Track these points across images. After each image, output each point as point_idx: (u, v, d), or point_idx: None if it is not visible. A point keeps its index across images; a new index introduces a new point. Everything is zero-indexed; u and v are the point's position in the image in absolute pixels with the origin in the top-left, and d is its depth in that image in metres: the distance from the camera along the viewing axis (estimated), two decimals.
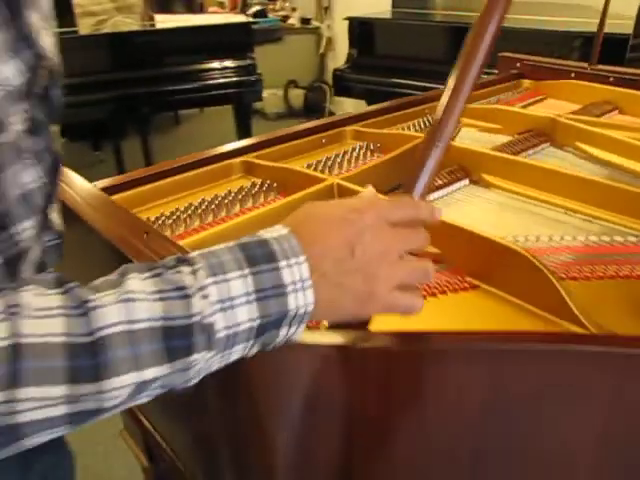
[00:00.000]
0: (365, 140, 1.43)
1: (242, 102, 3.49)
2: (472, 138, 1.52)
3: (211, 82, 3.45)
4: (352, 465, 0.58)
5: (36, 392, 0.39)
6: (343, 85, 3.40)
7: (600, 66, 1.85)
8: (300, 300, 0.47)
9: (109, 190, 1.04)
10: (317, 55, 5.47)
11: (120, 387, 0.42)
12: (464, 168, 1.25)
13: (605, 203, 1.08)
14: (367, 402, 0.55)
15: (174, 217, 1.02)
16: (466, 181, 1.24)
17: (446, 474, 0.61)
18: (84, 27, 4.29)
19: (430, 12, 4.13)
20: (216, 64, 3.44)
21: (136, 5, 4.90)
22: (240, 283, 0.45)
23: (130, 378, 0.42)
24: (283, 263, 0.46)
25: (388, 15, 3.68)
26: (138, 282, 0.44)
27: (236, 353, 0.47)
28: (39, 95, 0.53)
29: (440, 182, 1.20)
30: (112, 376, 0.41)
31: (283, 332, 0.48)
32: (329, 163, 1.27)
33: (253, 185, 1.16)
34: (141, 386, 0.43)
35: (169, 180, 1.15)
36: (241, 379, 0.58)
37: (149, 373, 0.43)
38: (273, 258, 0.46)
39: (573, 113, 1.63)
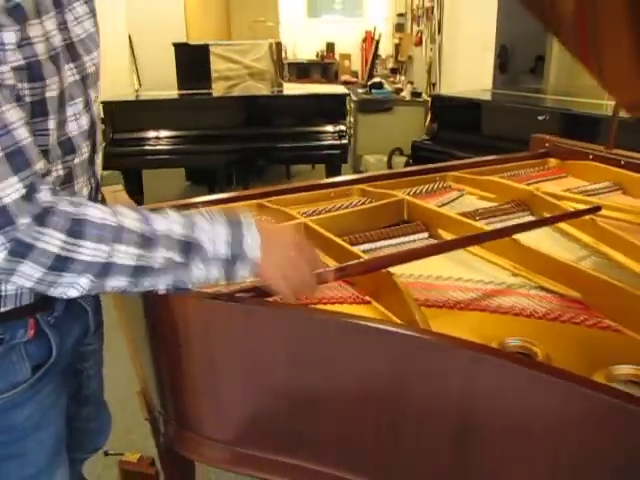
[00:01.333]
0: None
1: (333, 162, 3.89)
2: (465, 203, 1.75)
3: (312, 143, 3.89)
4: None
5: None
6: (420, 155, 3.70)
7: (615, 150, 2.01)
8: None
9: None
10: (423, 126, 5.81)
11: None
12: (425, 224, 1.50)
13: (528, 263, 1.27)
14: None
15: None
16: (425, 234, 1.49)
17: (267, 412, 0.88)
18: (218, 89, 4.96)
19: (528, 95, 4.32)
20: (317, 127, 3.89)
21: (267, 72, 5.56)
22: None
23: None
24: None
25: (473, 95, 3.95)
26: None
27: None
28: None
29: (402, 232, 1.46)
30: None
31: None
32: None
33: None
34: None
35: None
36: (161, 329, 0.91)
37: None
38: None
39: (580, 191, 1.82)
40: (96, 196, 0.98)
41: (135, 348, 1.32)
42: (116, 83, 5.83)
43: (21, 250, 0.67)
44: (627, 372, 0.90)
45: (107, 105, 3.68)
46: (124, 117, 3.83)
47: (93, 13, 0.92)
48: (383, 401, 0.83)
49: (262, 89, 4.84)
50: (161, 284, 0.79)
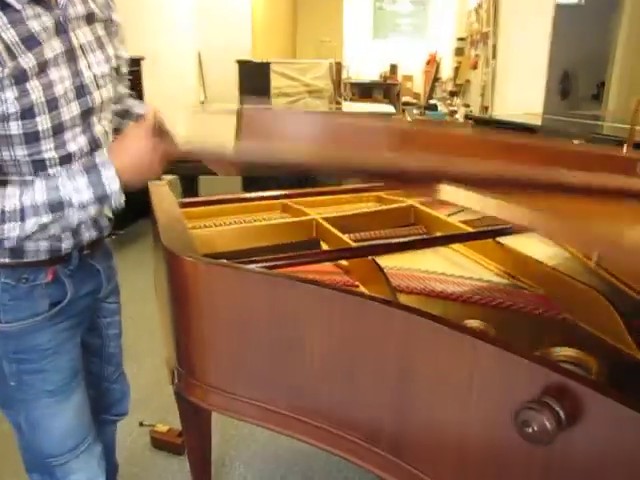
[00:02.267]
0: None
1: None
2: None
3: None
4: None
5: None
6: None
7: None
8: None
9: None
10: None
11: None
12: (427, 226, 1.68)
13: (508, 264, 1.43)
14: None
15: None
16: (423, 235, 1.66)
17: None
18: (277, 104, 5.24)
19: (578, 121, 4.37)
20: None
21: (326, 90, 5.82)
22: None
23: None
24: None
25: (506, 117, 4.06)
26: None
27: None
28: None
29: (403, 233, 1.65)
30: None
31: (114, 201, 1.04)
32: None
33: None
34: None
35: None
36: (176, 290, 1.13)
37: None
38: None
39: None
40: None
41: (163, 319, 1.55)
42: (185, 95, 6.23)
43: None
44: (566, 353, 1.05)
45: None
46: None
47: (107, 58, 1.16)
48: (344, 352, 1.01)
49: (319, 106, 5.06)
50: (51, 232, 1.05)
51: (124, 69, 1.29)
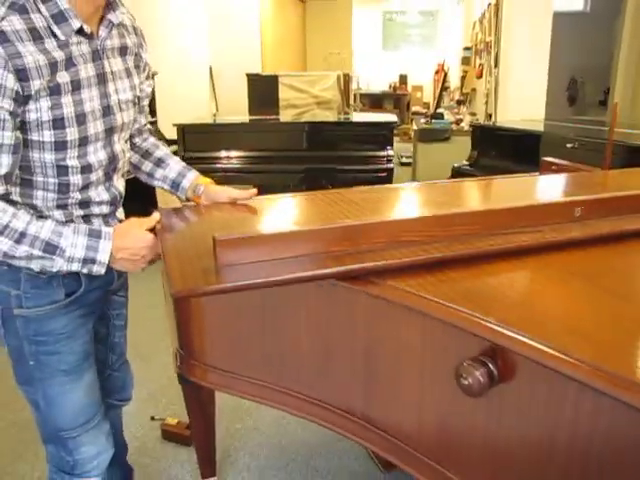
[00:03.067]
0: None
1: (381, 184, 4.19)
2: None
3: (366, 167, 4.23)
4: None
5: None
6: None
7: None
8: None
9: None
10: None
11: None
12: None
13: None
14: None
15: None
16: None
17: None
18: (286, 116, 5.39)
19: (579, 126, 4.47)
20: (369, 152, 4.23)
21: (334, 101, 5.97)
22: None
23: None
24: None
25: (509, 124, 4.17)
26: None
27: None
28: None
29: None
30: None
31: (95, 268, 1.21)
32: None
33: None
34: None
35: None
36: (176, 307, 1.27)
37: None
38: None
39: None
40: (115, 202, 1.42)
41: (169, 318, 1.69)
42: (197, 108, 6.42)
43: None
44: None
45: (179, 127, 4.19)
46: (193, 138, 4.32)
47: (132, 86, 1.36)
48: (323, 333, 1.15)
49: (327, 117, 5.21)
50: (33, 265, 1.21)
51: (145, 102, 1.49)
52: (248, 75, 5.68)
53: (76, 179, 1.26)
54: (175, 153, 4.44)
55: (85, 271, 1.23)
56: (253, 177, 4.44)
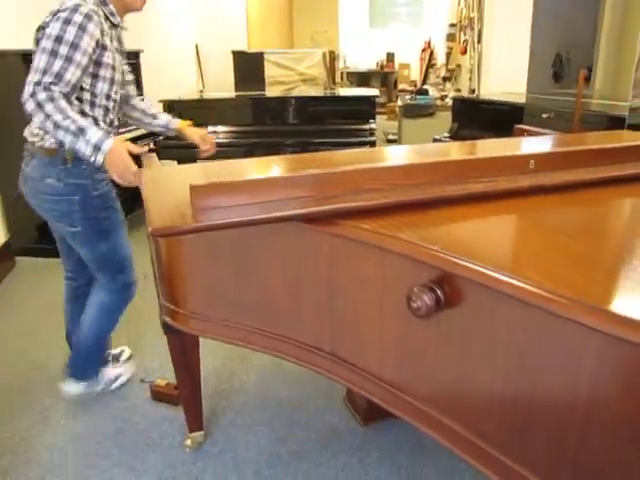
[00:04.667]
0: None
1: None
2: None
3: (350, 139, 4.31)
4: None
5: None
6: None
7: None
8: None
9: None
10: None
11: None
12: None
13: None
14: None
15: None
16: None
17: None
18: (271, 92, 5.44)
19: (556, 98, 4.56)
20: (353, 125, 4.31)
21: (319, 78, 6.02)
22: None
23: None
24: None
25: (486, 96, 4.25)
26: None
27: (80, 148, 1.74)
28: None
29: None
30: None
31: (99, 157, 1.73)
32: None
33: None
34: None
35: None
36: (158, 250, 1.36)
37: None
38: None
39: None
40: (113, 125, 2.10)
41: (155, 270, 1.78)
42: (184, 85, 6.45)
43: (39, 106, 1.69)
44: None
45: (165, 104, 4.24)
46: (179, 114, 4.36)
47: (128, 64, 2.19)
48: (291, 273, 1.24)
49: (311, 92, 5.26)
50: (66, 142, 1.74)
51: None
52: (234, 52, 5.71)
53: (110, 105, 2.01)
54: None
55: (92, 157, 1.72)
56: (239, 151, 4.51)
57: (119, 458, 2.07)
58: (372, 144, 4.17)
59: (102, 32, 1.83)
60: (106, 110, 2.00)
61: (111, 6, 1.94)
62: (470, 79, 6.08)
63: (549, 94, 4.50)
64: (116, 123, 2.12)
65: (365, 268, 1.09)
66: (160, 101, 4.30)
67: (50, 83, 1.69)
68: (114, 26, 1.99)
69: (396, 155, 1.88)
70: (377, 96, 4.28)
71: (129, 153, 1.75)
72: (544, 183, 1.30)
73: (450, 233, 1.07)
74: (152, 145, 4.58)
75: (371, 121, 4.19)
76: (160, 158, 4.36)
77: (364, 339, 1.16)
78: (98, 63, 1.87)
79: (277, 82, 5.87)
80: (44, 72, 1.69)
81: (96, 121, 1.95)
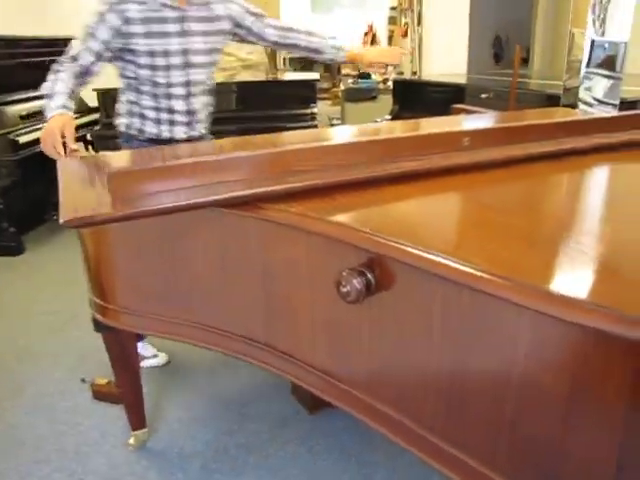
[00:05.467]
0: None
1: None
2: None
3: (292, 124, 4.24)
4: None
5: None
6: None
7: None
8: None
9: None
10: None
11: None
12: None
13: None
14: None
15: None
16: None
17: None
18: (217, 78, 5.31)
19: (495, 78, 4.60)
20: (295, 110, 4.25)
21: (261, 64, 5.93)
22: None
23: None
24: None
25: (426, 78, 4.26)
26: None
27: None
28: None
29: None
30: None
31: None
32: None
33: None
34: None
35: None
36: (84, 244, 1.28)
37: None
38: None
39: None
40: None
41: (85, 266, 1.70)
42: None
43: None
44: None
45: (98, 93, 4.08)
46: (113, 104, 4.21)
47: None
48: (220, 261, 1.19)
49: (252, 78, 5.16)
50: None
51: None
52: None
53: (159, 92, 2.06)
54: (97, 121, 4.36)
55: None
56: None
57: (59, 463, 1.99)
58: (314, 128, 4.12)
59: (127, 20, 1.88)
60: (154, 96, 2.04)
61: None
62: (411, 61, 6.08)
63: (489, 74, 4.54)
64: (179, 108, 2.08)
65: (293, 253, 1.05)
66: (94, 90, 4.13)
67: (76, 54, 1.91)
68: (172, 8, 1.95)
69: (330, 135, 1.83)
70: (317, 80, 4.23)
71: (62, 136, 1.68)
72: (477, 160, 1.27)
73: (381, 214, 1.04)
74: (88, 137, 4.42)
75: (312, 105, 4.14)
76: (97, 149, 4.21)
77: (298, 326, 1.12)
78: (132, 52, 1.95)
79: (219, 68, 5.75)
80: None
81: (146, 107, 2.06)
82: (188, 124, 2.12)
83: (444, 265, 0.83)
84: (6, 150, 3.70)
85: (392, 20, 8.18)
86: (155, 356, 2.55)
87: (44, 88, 1.83)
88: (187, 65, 2.02)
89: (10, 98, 4.05)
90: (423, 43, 5.58)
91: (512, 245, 0.91)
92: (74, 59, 1.91)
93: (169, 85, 2.02)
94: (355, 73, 9.72)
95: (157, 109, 2.07)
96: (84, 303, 1.59)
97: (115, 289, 1.36)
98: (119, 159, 1.43)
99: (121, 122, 2.17)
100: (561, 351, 0.76)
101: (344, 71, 10.66)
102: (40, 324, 2.96)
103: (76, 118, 4.54)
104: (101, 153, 1.71)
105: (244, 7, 2.18)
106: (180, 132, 2.12)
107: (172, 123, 2.09)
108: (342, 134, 1.84)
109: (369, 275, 0.91)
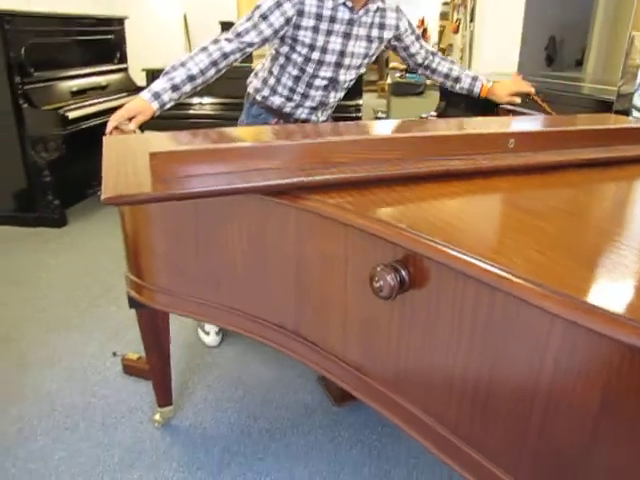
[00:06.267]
0: None
1: None
2: None
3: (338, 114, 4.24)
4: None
5: None
6: None
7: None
8: None
9: None
10: None
11: None
12: None
13: None
14: None
15: None
16: None
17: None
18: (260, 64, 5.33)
19: (544, 80, 4.50)
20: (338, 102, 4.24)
21: None
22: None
23: None
24: None
25: None
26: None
27: None
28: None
29: None
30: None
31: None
32: None
33: None
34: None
35: None
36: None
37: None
38: None
39: None
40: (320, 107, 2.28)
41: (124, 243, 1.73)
42: (171, 56, 6.32)
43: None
44: None
45: (148, 72, 4.14)
46: None
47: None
48: (256, 250, 1.19)
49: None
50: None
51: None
52: (222, 23, 5.57)
53: (303, 77, 2.14)
54: None
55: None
56: (225, 123, 4.42)
57: (86, 432, 2.04)
58: (359, 120, 4.11)
59: (301, 12, 1.95)
60: (296, 79, 2.12)
61: None
62: (461, 58, 5.99)
63: (540, 76, 4.43)
64: (314, 97, 2.18)
65: (330, 245, 1.05)
66: (143, 70, 4.20)
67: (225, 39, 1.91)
68: (348, 9, 2.00)
69: (373, 128, 1.82)
70: (364, 72, 4.19)
71: (128, 115, 1.74)
72: (522, 163, 1.25)
73: (419, 212, 1.02)
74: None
75: (357, 97, 4.11)
76: (142, 129, 4.27)
77: (329, 318, 1.12)
78: (293, 39, 2.01)
79: (265, 55, 5.77)
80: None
81: (284, 85, 2.15)
82: (314, 110, 2.25)
83: (480, 268, 0.81)
84: (56, 125, 3.78)
85: (444, 15, 8.08)
86: (207, 334, 2.60)
87: (174, 61, 1.86)
88: (339, 65, 2.10)
89: (63, 74, 4.14)
90: (474, 40, 5.48)
91: (551, 252, 0.89)
92: (239, 35, 1.92)
93: (314, 76, 2.10)
94: (403, 67, 9.63)
95: (292, 90, 2.16)
96: (121, 278, 1.63)
97: (151, 268, 1.38)
98: (163, 139, 1.45)
99: (253, 84, 2.28)
100: (593, 364, 0.74)
101: (392, 64, 10.59)
102: (78, 297, 3.03)
103: (124, 97, 4.66)
104: (147, 132, 1.72)
105: (410, 25, 2.27)
106: (302, 114, 2.25)
107: (299, 106, 2.21)
108: (386, 128, 1.83)
109: (403, 272, 0.91)
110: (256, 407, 2.20)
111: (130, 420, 2.11)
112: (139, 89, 4.65)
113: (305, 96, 2.17)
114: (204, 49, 1.87)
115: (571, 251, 0.89)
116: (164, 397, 2.04)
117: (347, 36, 2.05)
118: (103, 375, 2.40)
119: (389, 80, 6.22)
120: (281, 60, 2.12)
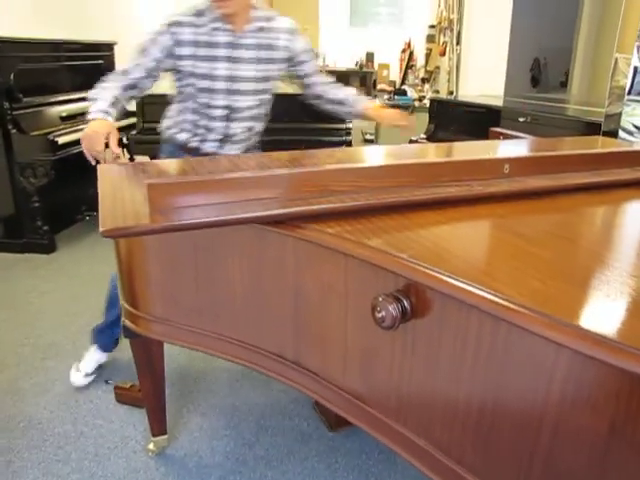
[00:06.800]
0: None
1: None
2: None
3: (328, 138, 4.25)
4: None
5: None
6: None
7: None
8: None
9: None
10: None
11: None
12: None
13: None
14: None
15: None
16: None
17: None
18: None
19: (530, 102, 4.57)
20: (331, 125, 4.26)
21: None
22: None
23: None
24: None
25: (464, 98, 4.25)
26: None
27: None
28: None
29: None
30: None
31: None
32: None
33: None
34: None
35: None
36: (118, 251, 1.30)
37: None
38: None
39: None
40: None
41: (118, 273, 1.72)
42: (162, 77, 6.34)
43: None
44: None
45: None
46: (152, 109, 4.27)
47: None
48: (254, 280, 1.19)
49: (288, 90, 5.18)
50: None
51: None
52: None
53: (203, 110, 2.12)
54: (134, 125, 4.43)
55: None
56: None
57: (78, 464, 2.00)
58: (348, 144, 4.13)
59: (179, 42, 1.94)
60: (194, 112, 2.09)
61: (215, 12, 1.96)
62: (448, 80, 6.07)
63: (526, 98, 4.50)
64: (216, 130, 2.11)
65: (330, 274, 1.04)
66: None
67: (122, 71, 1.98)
68: (228, 32, 1.98)
69: (369, 156, 1.83)
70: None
71: (106, 140, 1.71)
72: (517, 189, 1.26)
73: (419, 240, 1.02)
74: (125, 140, 4.48)
75: (347, 121, 4.14)
76: (133, 154, 4.27)
77: (328, 348, 1.11)
78: (179, 71, 2.02)
79: None
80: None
81: (187, 120, 2.11)
82: (221, 142, 2.15)
83: (483, 298, 0.81)
84: (45, 150, 3.77)
85: (430, 38, 8.20)
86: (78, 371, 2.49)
87: (90, 94, 1.88)
88: (231, 91, 2.02)
89: (52, 99, 4.14)
90: (461, 63, 5.56)
91: (550, 279, 0.89)
92: (125, 73, 1.97)
93: (210, 107, 2.04)
94: (391, 89, 9.74)
95: (195, 124, 2.10)
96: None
97: (147, 298, 1.37)
98: (159, 168, 1.45)
99: (164, 123, 2.24)
100: (600, 392, 0.74)
101: (379, 86, 10.69)
102: (68, 323, 3.00)
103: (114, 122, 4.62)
104: (138, 159, 1.71)
105: (309, 50, 2.19)
106: (209, 147, 2.16)
107: (204, 140, 2.13)
108: (380, 155, 1.84)
109: (405, 302, 0.91)
110: (251, 434, 2.18)
111: (123, 450, 2.07)
112: (129, 114, 4.66)
113: (208, 129, 2.11)
114: (104, 86, 1.94)
115: (568, 277, 0.90)
116: (158, 426, 2.02)
117: (233, 60, 1.99)
118: (95, 404, 2.36)
119: (377, 102, 6.27)
120: (179, 96, 2.12)
